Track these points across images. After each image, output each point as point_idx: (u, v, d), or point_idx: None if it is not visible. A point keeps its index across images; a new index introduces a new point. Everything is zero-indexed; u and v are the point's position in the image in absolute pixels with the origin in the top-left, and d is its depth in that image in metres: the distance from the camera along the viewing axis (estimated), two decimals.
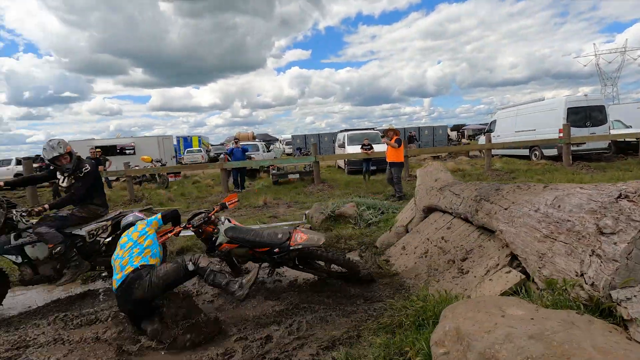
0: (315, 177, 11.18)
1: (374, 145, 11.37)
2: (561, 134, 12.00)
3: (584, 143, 12.18)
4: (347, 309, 3.06)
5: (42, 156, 3.59)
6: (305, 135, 29.05)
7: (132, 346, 2.66)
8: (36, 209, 3.44)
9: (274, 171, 12.29)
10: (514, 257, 2.54)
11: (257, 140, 24.04)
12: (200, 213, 3.39)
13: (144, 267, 2.76)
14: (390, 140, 7.64)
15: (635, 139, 12.51)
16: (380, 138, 9.59)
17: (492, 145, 11.54)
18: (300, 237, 3.08)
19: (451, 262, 3.12)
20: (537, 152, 13.92)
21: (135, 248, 2.88)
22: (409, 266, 3.50)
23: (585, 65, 63.13)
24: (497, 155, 15.21)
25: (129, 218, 3.27)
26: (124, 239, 3.00)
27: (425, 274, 3.21)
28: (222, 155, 13.65)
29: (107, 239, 3.83)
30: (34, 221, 3.62)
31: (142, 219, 3.22)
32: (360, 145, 11.59)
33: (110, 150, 18.69)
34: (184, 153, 26.47)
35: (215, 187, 12.54)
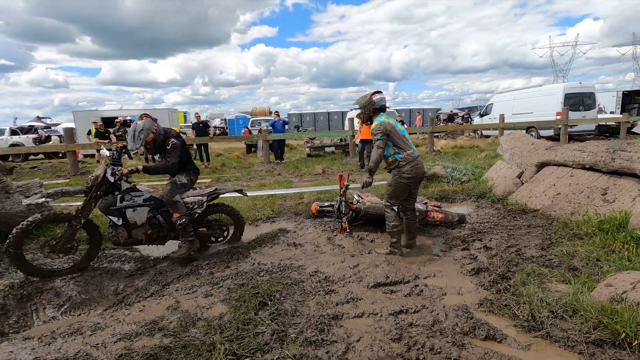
0: (351, 150, 12.02)
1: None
2: (559, 117, 13.75)
3: (576, 125, 14.02)
4: (520, 231, 4.07)
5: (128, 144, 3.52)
6: (301, 113, 29.47)
7: None
8: (128, 169, 3.43)
9: (308, 144, 12.92)
10: None
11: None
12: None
13: None
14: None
15: (615, 123, 14.59)
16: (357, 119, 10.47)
17: (504, 125, 13.02)
18: (437, 216, 4.23)
19: (589, 197, 4.21)
20: (533, 133, 15.70)
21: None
22: (547, 204, 4.56)
23: (541, 57, 67.75)
24: (493, 135, 16.87)
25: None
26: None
27: (568, 207, 4.28)
28: (264, 128, 13.95)
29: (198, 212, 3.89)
30: (142, 184, 3.72)
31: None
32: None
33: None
34: None
35: (250, 159, 12.97)
